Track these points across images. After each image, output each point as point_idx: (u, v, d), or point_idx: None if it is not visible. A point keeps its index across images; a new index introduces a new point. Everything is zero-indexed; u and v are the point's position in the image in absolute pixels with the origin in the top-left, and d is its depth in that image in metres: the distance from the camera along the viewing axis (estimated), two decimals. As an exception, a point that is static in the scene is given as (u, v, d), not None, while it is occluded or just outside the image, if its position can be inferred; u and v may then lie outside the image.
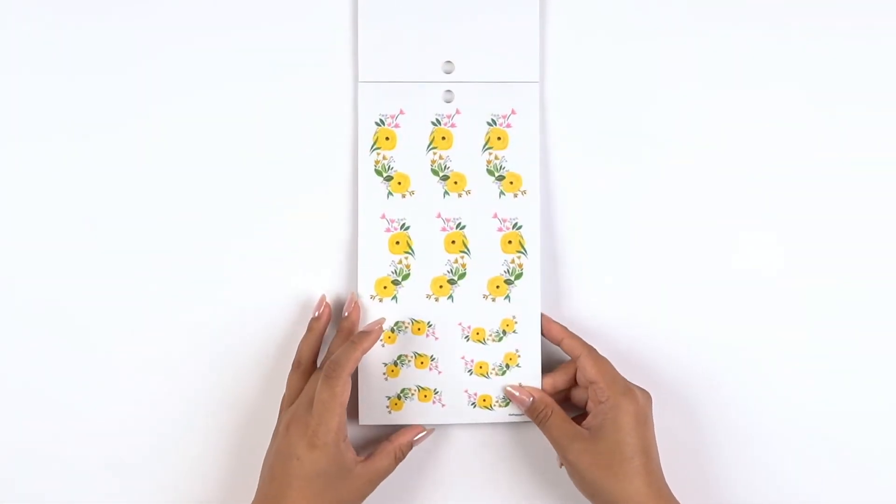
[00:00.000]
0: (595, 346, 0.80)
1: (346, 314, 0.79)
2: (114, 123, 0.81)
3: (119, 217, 0.81)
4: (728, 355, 0.82)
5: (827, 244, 0.82)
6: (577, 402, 0.80)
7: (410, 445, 0.79)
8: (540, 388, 0.80)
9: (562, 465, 0.79)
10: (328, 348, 0.80)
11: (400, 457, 0.78)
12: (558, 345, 0.79)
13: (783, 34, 0.82)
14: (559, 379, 0.80)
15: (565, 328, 0.79)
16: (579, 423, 0.77)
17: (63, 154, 0.81)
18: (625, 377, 0.78)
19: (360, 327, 0.80)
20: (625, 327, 0.82)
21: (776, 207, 0.82)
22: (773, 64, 0.82)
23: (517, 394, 0.79)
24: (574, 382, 0.80)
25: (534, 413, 0.78)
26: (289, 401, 0.78)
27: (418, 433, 0.79)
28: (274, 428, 0.77)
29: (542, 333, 0.80)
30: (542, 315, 0.80)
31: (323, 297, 0.80)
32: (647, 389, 0.78)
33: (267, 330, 0.81)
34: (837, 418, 0.82)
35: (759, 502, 0.82)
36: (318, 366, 0.80)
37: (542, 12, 0.81)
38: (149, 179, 0.81)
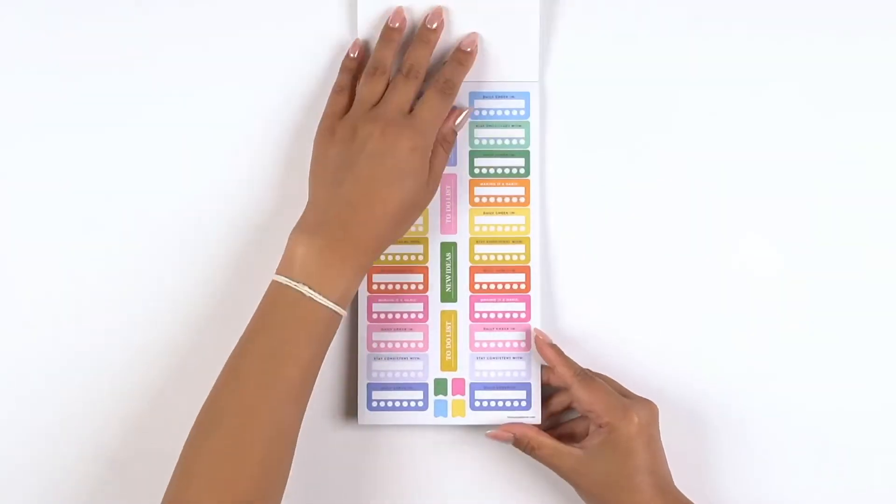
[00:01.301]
0: (595, 349, 0.80)
1: (433, 26, 0.78)
2: (112, 124, 0.81)
3: (119, 219, 0.81)
4: (730, 360, 0.82)
5: (829, 246, 0.82)
6: (580, 433, 0.79)
7: (454, 132, 0.78)
8: (539, 396, 0.79)
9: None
10: (407, 55, 0.77)
11: (448, 147, 0.77)
12: (551, 368, 0.78)
13: (783, 34, 0.82)
14: (556, 404, 0.80)
15: (558, 351, 0.78)
16: (575, 440, 0.77)
17: (63, 155, 0.81)
18: (623, 392, 0.77)
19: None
20: (625, 330, 0.82)
21: (780, 214, 0.82)
22: (773, 64, 0.82)
23: (500, 434, 0.78)
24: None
25: (520, 446, 0.78)
26: (366, 105, 0.76)
27: (456, 116, 0.78)
28: (320, 133, 0.77)
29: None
30: (535, 334, 0.79)
31: (357, 40, 0.79)
32: (651, 399, 0.77)
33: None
34: (843, 420, 0.82)
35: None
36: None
37: (542, 12, 0.81)
38: (149, 181, 0.81)
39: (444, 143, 0.77)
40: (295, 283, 0.70)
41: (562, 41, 0.81)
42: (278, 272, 0.71)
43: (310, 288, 0.70)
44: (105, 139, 0.81)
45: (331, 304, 0.70)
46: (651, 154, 0.82)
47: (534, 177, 0.80)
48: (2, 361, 0.81)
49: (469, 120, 0.80)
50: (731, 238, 0.82)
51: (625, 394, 0.78)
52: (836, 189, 0.82)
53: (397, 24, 0.78)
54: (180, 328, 0.81)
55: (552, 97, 0.81)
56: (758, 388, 0.82)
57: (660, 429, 0.76)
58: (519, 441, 0.78)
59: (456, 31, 0.80)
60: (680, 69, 0.81)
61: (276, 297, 0.71)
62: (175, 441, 0.81)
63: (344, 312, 0.71)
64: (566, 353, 0.78)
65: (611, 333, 0.82)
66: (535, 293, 0.80)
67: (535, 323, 0.80)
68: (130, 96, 0.81)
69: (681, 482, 0.77)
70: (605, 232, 0.82)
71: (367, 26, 0.80)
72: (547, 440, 0.77)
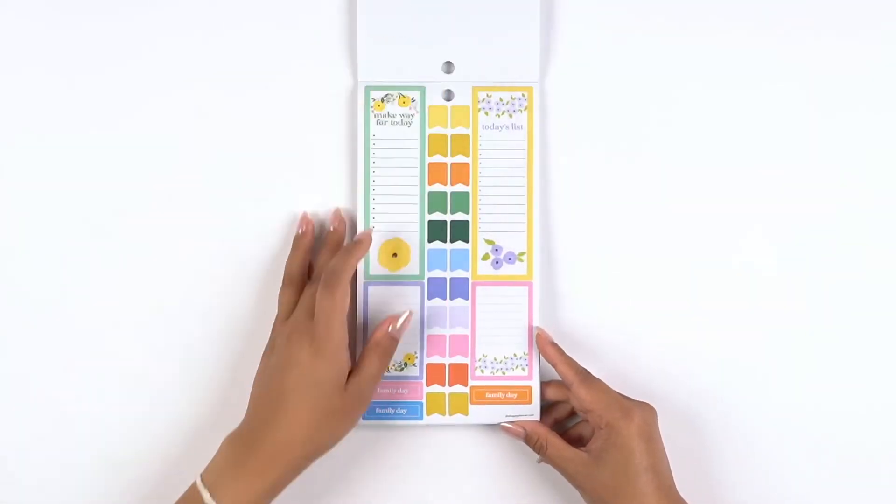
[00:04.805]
0: (595, 349, 0.80)
1: (333, 228, 0.79)
2: (111, 125, 0.81)
3: (118, 219, 0.81)
4: (730, 361, 0.82)
5: (829, 246, 0.82)
6: (587, 436, 0.79)
7: (392, 338, 0.76)
8: (538, 394, 0.80)
9: (540, 461, 0.78)
10: (317, 263, 0.80)
11: (383, 354, 0.75)
12: (552, 366, 0.78)
13: (783, 34, 0.82)
14: (559, 409, 0.81)
15: (559, 350, 0.78)
16: (582, 444, 0.77)
17: (63, 156, 0.81)
18: (622, 395, 0.77)
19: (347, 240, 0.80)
20: (626, 331, 0.81)
21: (781, 213, 0.82)
22: (773, 64, 0.82)
23: (511, 428, 0.79)
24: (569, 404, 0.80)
25: (530, 443, 0.78)
26: (283, 317, 0.77)
27: (394, 321, 0.76)
28: (265, 347, 0.77)
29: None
30: (537, 332, 0.79)
31: (305, 214, 0.80)
32: (649, 402, 0.77)
33: (265, 333, 0.80)
34: (842, 420, 0.82)
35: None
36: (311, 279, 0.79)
37: (542, 12, 0.81)
38: (148, 182, 0.81)
39: (378, 349, 0.75)
40: (202, 488, 0.72)
41: (562, 41, 0.81)
42: (203, 472, 0.73)
43: (211, 496, 0.72)
44: (105, 139, 0.81)
45: None
46: (651, 154, 0.82)
47: (534, 177, 0.80)
48: (2, 361, 0.81)
49: (408, 325, 0.77)
50: (731, 238, 0.82)
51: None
52: (836, 189, 0.82)
53: (301, 230, 0.79)
54: (180, 327, 0.81)
55: (552, 97, 0.81)
56: (758, 387, 0.81)
57: (659, 430, 0.76)
58: (529, 438, 0.78)
59: (456, 31, 0.80)
60: (680, 69, 0.82)
61: (187, 496, 0.73)
62: (175, 441, 0.81)
63: None
64: (566, 353, 0.78)
65: (611, 334, 0.81)
66: (535, 293, 0.80)
67: (535, 323, 0.80)
68: (130, 96, 0.81)
69: (680, 482, 0.76)
70: (606, 232, 0.81)
71: (368, 24, 0.80)
72: (557, 440, 0.77)
